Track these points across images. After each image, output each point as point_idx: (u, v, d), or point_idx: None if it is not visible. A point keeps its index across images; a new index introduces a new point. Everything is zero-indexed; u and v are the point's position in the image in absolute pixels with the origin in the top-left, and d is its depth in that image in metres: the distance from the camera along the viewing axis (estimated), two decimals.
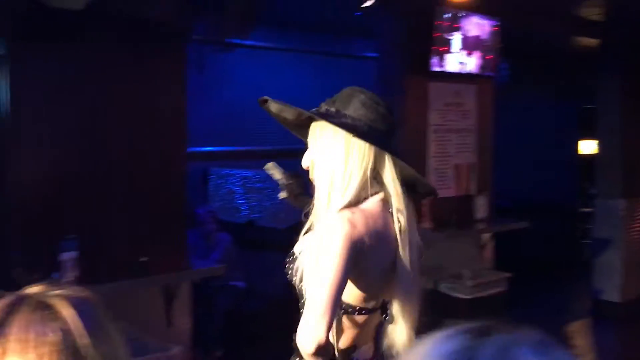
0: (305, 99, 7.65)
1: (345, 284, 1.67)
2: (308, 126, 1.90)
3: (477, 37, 4.87)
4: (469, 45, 4.82)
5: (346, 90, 1.88)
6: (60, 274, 3.05)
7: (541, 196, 7.46)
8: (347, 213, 1.71)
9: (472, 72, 4.88)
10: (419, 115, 4.69)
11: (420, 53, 4.55)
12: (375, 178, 1.79)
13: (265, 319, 4.99)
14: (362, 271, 1.72)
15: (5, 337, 0.79)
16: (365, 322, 1.79)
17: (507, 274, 4.83)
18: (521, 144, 7.56)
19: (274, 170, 2.12)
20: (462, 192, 4.98)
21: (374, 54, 6.97)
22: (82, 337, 0.82)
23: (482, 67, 4.93)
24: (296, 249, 1.86)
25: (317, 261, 1.67)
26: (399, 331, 1.79)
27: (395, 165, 1.81)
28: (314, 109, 1.87)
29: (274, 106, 1.98)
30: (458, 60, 4.75)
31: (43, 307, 0.83)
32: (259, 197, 6.26)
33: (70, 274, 3.05)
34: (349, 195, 1.75)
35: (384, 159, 1.79)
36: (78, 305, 0.85)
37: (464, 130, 5.03)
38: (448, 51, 4.66)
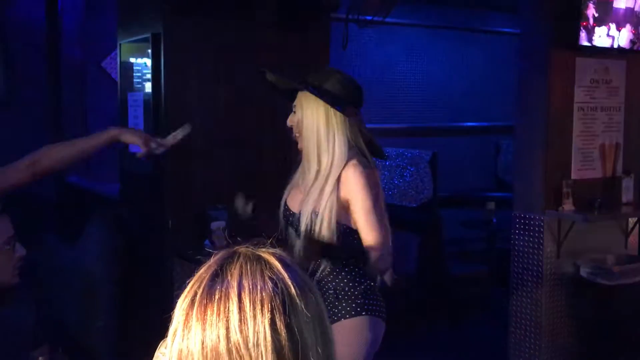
0: (441, 76, 7.61)
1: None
2: (295, 93, 2.38)
3: (629, 10, 4.59)
4: (620, 18, 4.56)
5: (326, 69, 2.53)
6: (210, 243, 3.20)
7: None
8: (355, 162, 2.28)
9: (622, 46, 4.61)
10: (564, 92, 4.50)
11: (567, 26, 4.35)
12: (354, 141, 2.32)
13: (387, 297, 5.02)
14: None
15: (225, 285, 0.85)
16: None
17: None
18: None
19: (239, 202, 2.54)
20: (607, 174, 4.74)
21: (512, 29, 6.75)
22: (292, 287, 0.87)
23: (633, 41, 4.65)
24: (292, 194, 2.43)
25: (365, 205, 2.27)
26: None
27: (362, 130, 2.35)
28: (301, 82, 2.35)
29: (269, 76, 2.45)
30: (607, 34, 4.50)
31: (254, 259, 0.88)
32: (388, 175, 6.26)
33: (220, 243, 3.19)
34: (337, 152, 2.27)
35: (355, 126, 2.32)
36: (284, 260, 0.90)
37: (611, 108, 4.78)
38: (597, 24, 4.43)
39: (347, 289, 2.31)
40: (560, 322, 4.59)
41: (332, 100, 2.27)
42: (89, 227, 3.74)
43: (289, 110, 2.39)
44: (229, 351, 0.82)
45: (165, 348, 0.90)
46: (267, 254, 0.90)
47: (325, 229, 2.27)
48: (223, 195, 3.41)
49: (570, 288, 4.56)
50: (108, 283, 3.53)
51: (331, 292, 2.31)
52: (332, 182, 2.28)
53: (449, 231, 6.03)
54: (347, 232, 2.30)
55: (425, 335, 5.25)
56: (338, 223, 2.28)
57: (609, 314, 4.36)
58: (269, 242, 0.95)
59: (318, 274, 2.33)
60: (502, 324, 4.81)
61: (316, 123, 2.29)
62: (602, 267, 4.43)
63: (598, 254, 4.61)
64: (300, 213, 2.33)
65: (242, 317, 0.83)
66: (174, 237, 3.29)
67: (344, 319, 2.29)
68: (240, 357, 0.82)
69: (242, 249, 0.91)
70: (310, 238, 2.27)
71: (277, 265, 0.89)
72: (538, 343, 4.53)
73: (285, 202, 2.45)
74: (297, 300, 0.87)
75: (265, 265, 0.88)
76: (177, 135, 2.43)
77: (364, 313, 2.30)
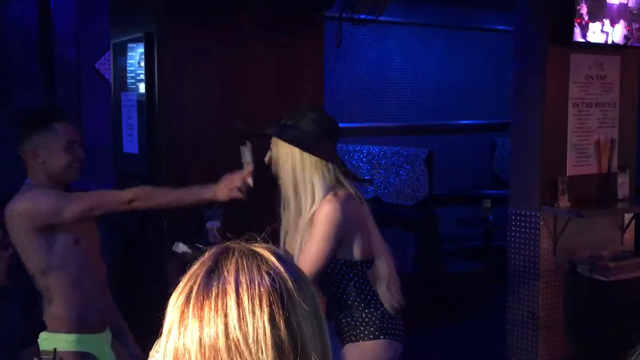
0: (436, 74, 7.61)
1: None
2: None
3: (622, 5, 4.60)
4: (614, 14, 4.56)
5: (300, 107, 2.49)
6: (206, 242, 3.19)
7: None
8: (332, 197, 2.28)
9: (616, 42, 4.62)
10: (559, 89, 4.50)
11: (561, 23, 4.35)
12: (336, 177, 2.33)
13: None
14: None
15: (222, 281, 0.84)
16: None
17: None
18: None
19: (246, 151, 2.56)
20: (603, 170, 4.75)
21: (506, 27, 6.76)
22: (289, 281, 0.86)
23: (627, 37, 4.66)
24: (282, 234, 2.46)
25: None
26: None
27: (335, 166, 2.34)
28: (276, 124, 2.39)
29: (240, 125, 2.64)
30: (601, 29, 4.51)
31: (250, 254, 0.88)
32: (384, 174, 6.26)
33: (215, 241, 3.18)
34: (316, 194, 2.28)
35: (330, 163, 2.32)
36: (279, 254, 0.89)
37: (606, 104, 4.78)
38: (591, 21, 4.43)
39: (363, 315, 2.38)
40: (558, 318, 4.59)
41: (302, 144, 2.30)
42: None
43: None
44: (228, 348, 0.81)
45: (160, 347, 0.89)
46: (262, 249, 0.90)
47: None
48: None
49: (566, 284, 4.57)
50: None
51: (349, 319, 2.38)
52: (307, 216, 2.32)
53: (445, 229, 6.03)
54: (345, 265, 2.35)
55: (423, 332, 5.25)
56: (335, 258, 2.32)
57: (606, 309, 4.36)
58: (261, 237, 0.94)
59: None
60: (500, 321, 4.81)
61: (291, 164, 2.32)
62: (598, 262, 4.44)
63: (594, 249, 4.62)
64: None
65: (241, 313, 0.82)
66: (170, 237, 3.28)
67: (362, 340, 2.36)
68: (240, 353, 0.81)
69: (235, 244, 0.90)
70: None
71: (273, 259, 0.88)
72: (535, 338, 4.54)
73: (285, 249, 2.47)
74: (295, 294, 0.86)
75: (261, 260, 0.87)
76: (247, 159, 2.53)
77: (382, 337, 2.37)
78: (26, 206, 2.31)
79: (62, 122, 2.45)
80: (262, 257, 0.88)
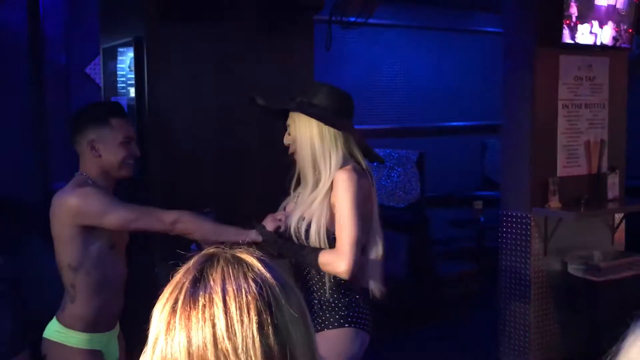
0: (426, 76, 7.62)
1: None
2: (287, 112, 2.42)
3: (611, 7, 4.62)
4: (602, 15, 4.59)
5: (314, 84, 2.51)
6: (197, 247, 3.18)
7: None
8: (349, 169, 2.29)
9: (604, 44, 4.64)
10: (549, 90, 4.52)
11: (551, 25, 4.37)
12: (349, 152, 2.35)
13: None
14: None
15: (208, 290, 0.83)
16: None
17: None
18: None
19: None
20: (593, 170, 4.77)
21: (496, 29, 6.78)
22: (275, 287, 0.86)
23: (616, 38, 4.68)
24: (288, 208, 2.45)
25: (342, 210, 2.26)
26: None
27: (356, 140, 2.37)
28: (292, 101, 2.38)
29: (260, 101, 2.48)
30: (590, 31, 4.53)
31: (235, 261, 0.87)
32: (376, 176, 6.25)
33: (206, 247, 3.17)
34: (334, 168, 2.30)
35: (349, 137, 2.35)
36: (264, 260, 0.88)
37: (595, 104, 4.81)
38: (579, 22, 4.45)
39: (331, 300, 2.32)
40: (549, 319, 4.60)
41: (324, 117, 2.31)
42: None
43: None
44: (217, 358, 0.80)
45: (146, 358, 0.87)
46: (247, 255, 0.89)
47: (313, 233, 2.29)
48: (209, 200, 3.40)
49: (558, 284, 4.58)
50: None
51: (316, 302, 2.33)
52: (325, 190, 2.31)
53: (437, 231, 6.04)
54: (333, 240, 2.31)
55: (414, 333, 5.26)
56: (328, 230, 2.30)
57: (597, 309, 4.37)
58: (245, 243, 0.93)
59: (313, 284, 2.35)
60: (492, 322, 4.82)
61: (310, 141, 2.33)
62: (589, 263, 4.46)
63: (585, 250, 4.64)
64: (302, 219, 2.35)
65: (229, 322, 0.81)
66: (159, 242, 3.26)
67: (327, 329, 2.30)
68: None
69: (219, 251, 0.89)
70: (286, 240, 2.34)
71: (259, 265, 0.87)
72: (527, 339, 4.55)
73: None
74: (282, 300, 0.85)
75: (247, 267, 0.86)
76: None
77: (347, 325, 2.32)
78: (76, 202, 2.32)
79: (120, 118, 2.48)
80: (247, 264, 0.87)
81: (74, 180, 2.42)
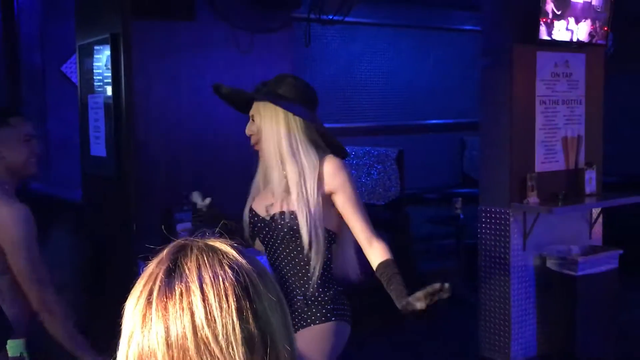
0: (405, 74, 7.64)
1: None
2: (251, 103, 2.37)
3: (587, 4, 4.66)
4: (578, 12, 4.63)
5: (278, 75, 2.40)
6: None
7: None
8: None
9: (581, 40, 4.68)
10: (526, 86, 4.55)
11: (528, 21, 4.40)
12: (315, 143, 2.32)
13: (362, 292, 5.03)
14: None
15: (184, 279, 0.82)
16: None
17: (619, 251, 4.64)
18: (627, 118, 7.22)
19: (197, 198, 2.58)
20: (570, 166, 4.81)
21: (474, 27, 6.81)
22: (252, 273, 0.85)
23: (592, 34, 4.73)
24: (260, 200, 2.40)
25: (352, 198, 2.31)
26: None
27: (321, 132, 2.34)
28: (257, 91, 2.34)
29: (224, 89, 2.43)
30: (566, 27, 4.57)
31: (210, 250, 0.86)
32: (356, 174, 6.27)
33: None
34: (304, 157, 2.27)
35: (312, 128, 2.31)
36: (238, 247, 0.87)
37: (572, 101, 4.85)
38: (556, 19, 4.49)
39: (316, 294, 2.30)
40: (529, 313, 4.64)
41: (291, 106, 2.27)
42: (52, 233, 3.67)
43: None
44: (197, 347, 0.78)
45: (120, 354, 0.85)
46: (220, 244, 0.87)
47: (304, 229, 2.26)
48: (188, 197, 3.37)
49: (537, 279, 4.62)
50: (72, 288, 3.47)
51: (300, 297, 2.31)
52: (313, 182, 2.27)
53: (417, 228, 6.06)
54: (326, 234, 2.30)
55: (396, 331, 5.27)
56: (324, 228, 2.29)
57: (576, 303, 4.41)
58: (215, 231, 0.92)
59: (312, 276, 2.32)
60: (473, 318, 4.84)
61: (276, 131, 2.29)
62: (567, 257, 4.49)
63: (563, 245, 4.67)
64: (283, 214, 2.30)
65: (208, 309, 0.79)
66: (138, 240, 3.24)
67: (314, 324, 2.29)
68: (210, 351, 0.78)
69: (190, 241, 0.88)
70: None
71: (233, 252, 0.86)
72: (507, 334, 4.57)
73: (251, 208, 2.42)
74: (260, 286, 0.84)
75: (222, 255, 0.85)
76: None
77: (333, 318, 2.31)
78: (8, 217, 2.33)
79: (18, 116, 2.49)
80: (222, 251, 0.86)
81: None
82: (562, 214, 4.66)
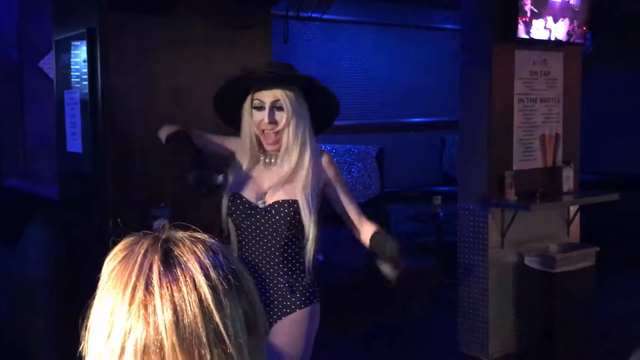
0: (385, 72, 7.65)
1: None
2: (238, 110, 2.45)
3: (564, 3, 4.70)
4: (556, 11, 4.66)
5: (281, 62, 2.46)
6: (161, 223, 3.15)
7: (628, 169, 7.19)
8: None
9: (559, 39, 4.72)
10: (504, 85, 4.58)
11: (506, 20, 4.43)
12: None
13: (343, 290, 5.04)
14: None
15: (183, 266, 0.82)
16: None
17: (596, 248, 4.68)
18: (605, 116, 7.29)
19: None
20: (548, 164, 4.85)
21: (453, 26, 6.84)
22: (235, 260, 0.87)
23: (570, 33, 4.76)
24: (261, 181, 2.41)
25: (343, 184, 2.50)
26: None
27: None
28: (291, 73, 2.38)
29: (268, 68, 2.44)
30: (544, 26, 4.60)
31: (194, 239, 0.86)
32: None
33: None
34: (313, 148, 2.36)
35: None
36: (207, 243, 0.86)
37: (550, 99, 4.88)
38: (534, 17, 4.52)
39: (300, 279, 2.36)
40: (507, 310, 4.67)
41: (333, 97, 2.42)
42: (28, 231, 3.63)
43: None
44: (207, 333, 0.79)
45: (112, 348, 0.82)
46: (200, 234, 0.88)
47: (306, 218, 2.35)
48: (165, 194, 3.36)
49: (515, 276, 4.65)
50: (49, 286, 3.44)
51: (285, 285, 2.33)
52: (317, 172, 2.39)
53: (397, 226, 6.07)
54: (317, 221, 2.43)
55: (376, 327, 5.28)
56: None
57: (552, 300, 4.44)
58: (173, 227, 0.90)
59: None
60: (452, 314, 4.86)
61: (303, 121, 2.35)
62: (545, 255, 4.52)
63: (541, 242, 4.71)
64: (285, 203, 2.34)
65: (214, 290, 0.81)
66: (115, 238, 3.22)
67: (299, 309, 2.34)
68: (218, 335, 0.79)
69: (168, 234, 0.85)
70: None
71: (213, 241, 0.87)
72: (486, 331, 4.60)
73: (240, 195, 2.38)
74: (243, 270, 0.87)
75: (209, 243, 0.87)
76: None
77: (315, 300, 2.40)
78: None
79: None
80: (206, 240, 0.87)
81: None
82: (539, 212, 4.69)
